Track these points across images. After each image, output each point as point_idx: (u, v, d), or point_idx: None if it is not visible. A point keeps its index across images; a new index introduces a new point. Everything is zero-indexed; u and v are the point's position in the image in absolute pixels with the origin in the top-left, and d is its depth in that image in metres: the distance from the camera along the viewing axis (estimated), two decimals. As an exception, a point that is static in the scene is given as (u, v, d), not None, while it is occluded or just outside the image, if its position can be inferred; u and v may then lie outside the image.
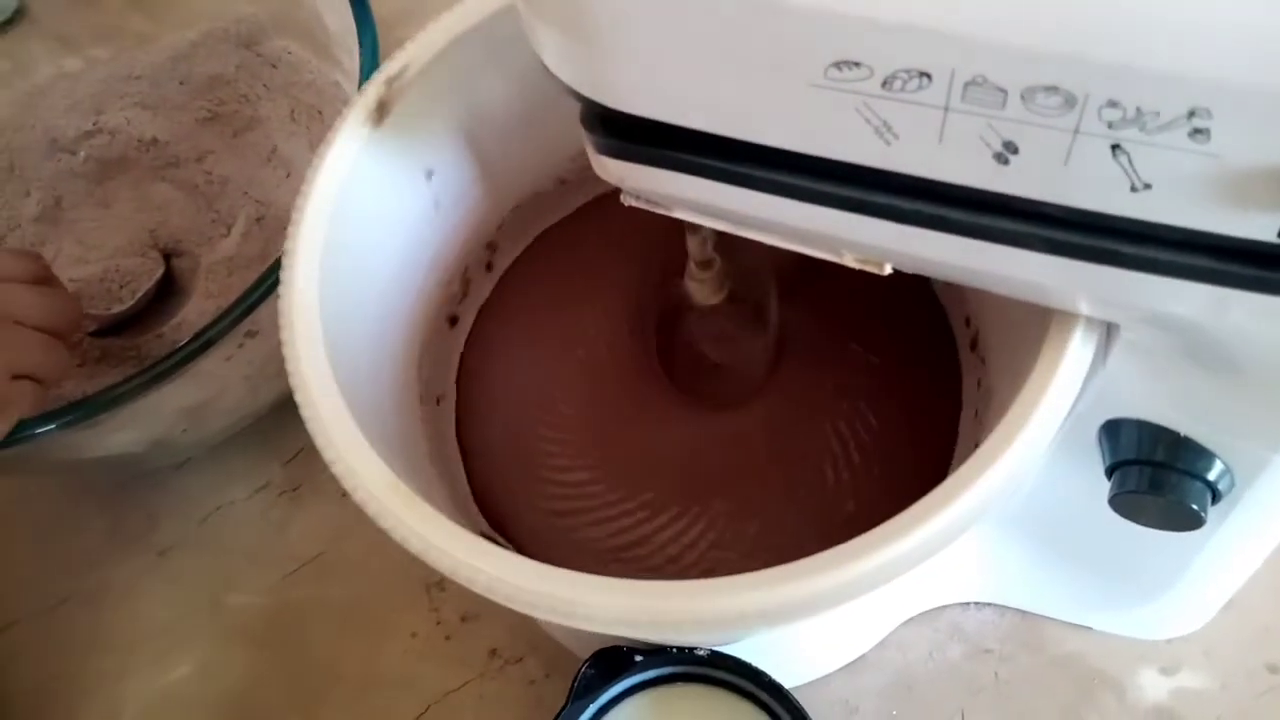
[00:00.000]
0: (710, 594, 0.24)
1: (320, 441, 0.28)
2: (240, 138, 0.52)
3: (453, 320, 0.40)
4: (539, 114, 0.36)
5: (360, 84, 0.37)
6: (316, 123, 0.50)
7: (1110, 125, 0.17)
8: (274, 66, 0.53)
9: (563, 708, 0.35)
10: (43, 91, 0.55)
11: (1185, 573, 0.33)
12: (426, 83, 0.33)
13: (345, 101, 0.35)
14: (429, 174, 0.35)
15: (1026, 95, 0.17)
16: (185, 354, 0.34)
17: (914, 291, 0.39)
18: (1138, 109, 0.17)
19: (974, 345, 0.36)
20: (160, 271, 0.49)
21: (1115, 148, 0.18)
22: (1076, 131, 0.18)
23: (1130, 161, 0.18)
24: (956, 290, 0.37)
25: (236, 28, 0.54)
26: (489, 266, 0.41)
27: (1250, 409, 0.25)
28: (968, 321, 0.37)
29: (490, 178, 0.38)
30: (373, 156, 0.32)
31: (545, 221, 0.42)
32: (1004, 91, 0.17)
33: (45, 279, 0.37)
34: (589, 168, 0.26)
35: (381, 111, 0.32)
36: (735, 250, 0.34)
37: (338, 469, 0.27)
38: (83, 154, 0.53)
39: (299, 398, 0.28)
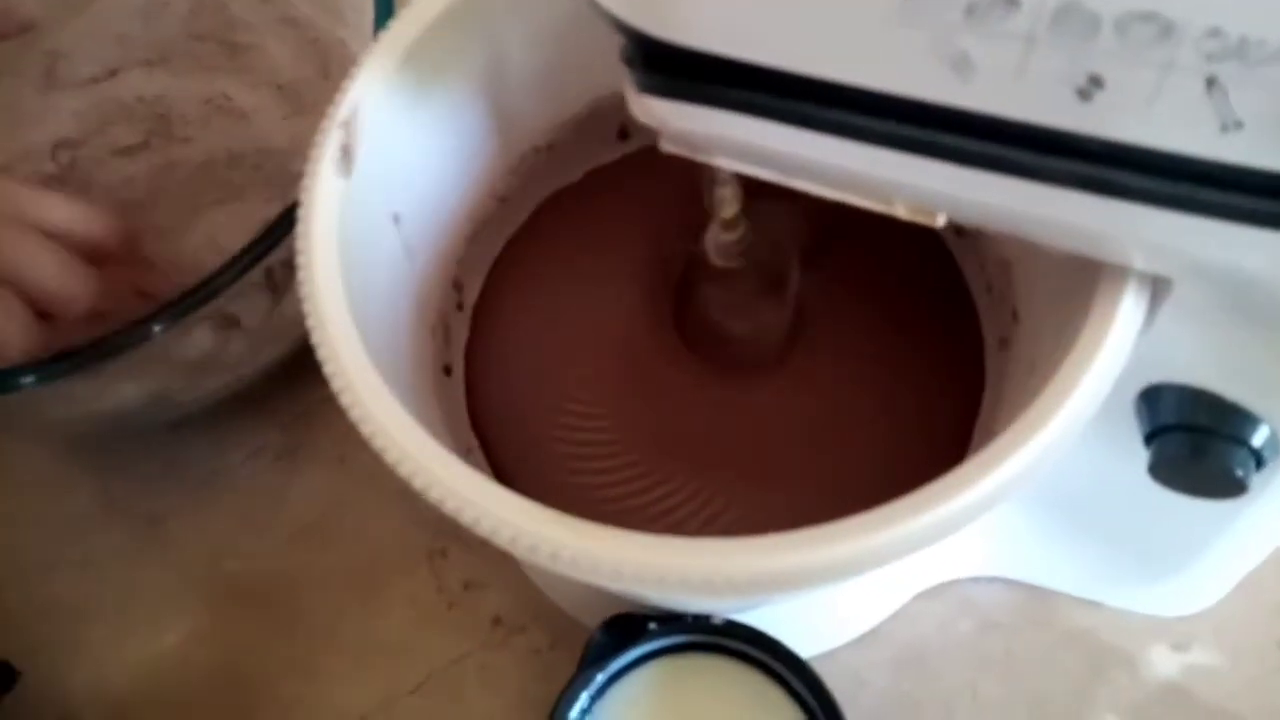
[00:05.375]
0: (745, 553, 0.23)
1: (339, 383, 0.26)
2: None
3: (459, 286, 0.39)
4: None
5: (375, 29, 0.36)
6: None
7: (1208, 57, 0.17)
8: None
9: (574, 674, 0.34)
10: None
11: (1212, 546, 0.33)
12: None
13: (351, 58, 0.33)
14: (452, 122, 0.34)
15: (1120, 24, 0.17)
16: (191, 302, 0.33)
17: (933, 257, 0.38)
18: (1242, 37, 0.16)
19: (999, 310, 0.35)
20: None
21: (1210, 82, 0.17)
22: (1169, 64, 0.17)
23: (1225, 98, 0.17)
24: (979, 256, 0.37)
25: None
26: (497, 228, 0.40)
27: (1303, 371, 0.24)
28: (990, 287, 0.36)
29: (504, 126, 0.37)
30: (396, 102, 0.31)
31: (556, 183, 0.41)
32: (1097, 20, 0.17)
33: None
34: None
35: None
36: (759, 215, 0.33)
37: (355, 412, 0.26)
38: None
39: (315, 337, 0.27)
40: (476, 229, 0.38)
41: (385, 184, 0.32)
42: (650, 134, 0.41)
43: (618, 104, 0.39)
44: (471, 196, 0.37)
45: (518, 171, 0.39)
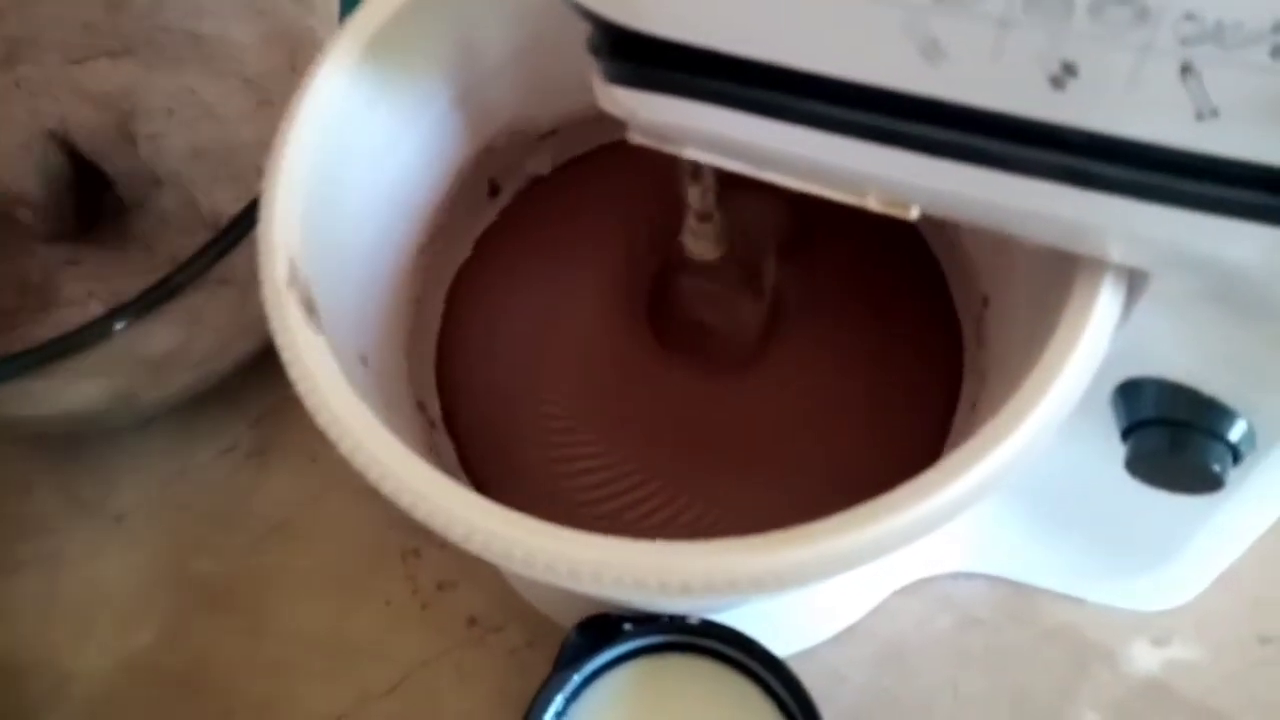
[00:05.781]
0: (700, 556, 0.23)
1: (296, 372, 0.25)
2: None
3: (422, 407, 0.37)
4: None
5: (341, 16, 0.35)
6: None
7: (1184, 41, 0.16)
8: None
9: (548, 677, 0.34)
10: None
11: (1191, 541, 0.33)
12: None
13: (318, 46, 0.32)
14: (425, 107, 0.33)
15: (1095, 7, 0.16)
16: (153, 298, 0.32)
17: (910, 251, 0.38)
18: (1218, 21, 0.15)
19: (976, 305, 0.35)
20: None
21: (1185, 69, 0.16)
22: (1145, 49, 0.16)
23: (1200, 84, 0.17)
24: (953, 248, 0.36)
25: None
26: (425, 332, 0.38)
27: (1281, 364, 0.24)
28: (968, 281, 0.36)
29: (480, 102, 0.36)
30: (363, 82, 0.30)
31: (453, 265, 0.40)
32: (1071, 2, 0.16)
33: None
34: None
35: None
36: (735, 208, 0.33)
37: (310, 400, 0.25)
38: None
39: (280, 340, 0.26)
40: (410, 335, 0.37)
41: (347, 324, 0.30)
42: (520, 182, 0.40)
43: (482, 160, 0.37)
44: (402, 302, 0.36)
45: (420, 264, 0.37)
